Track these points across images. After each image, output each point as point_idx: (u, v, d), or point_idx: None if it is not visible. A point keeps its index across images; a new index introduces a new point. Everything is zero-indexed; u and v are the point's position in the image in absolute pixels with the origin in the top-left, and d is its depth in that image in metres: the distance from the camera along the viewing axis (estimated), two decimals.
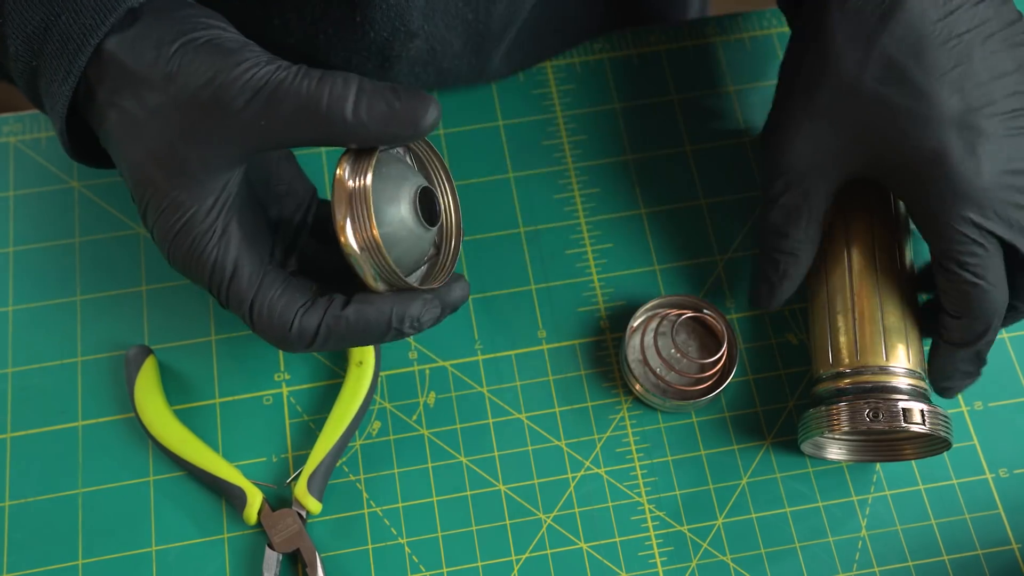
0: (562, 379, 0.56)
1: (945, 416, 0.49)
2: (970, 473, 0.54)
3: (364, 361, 0.54)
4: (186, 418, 0.55)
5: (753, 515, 0.53)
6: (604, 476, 0.54)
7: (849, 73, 0.48)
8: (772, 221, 0.52)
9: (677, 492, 0.54)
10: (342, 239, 0.44)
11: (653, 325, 0.56)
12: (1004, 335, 0.57)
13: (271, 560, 0.51)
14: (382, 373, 0.56)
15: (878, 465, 0.54)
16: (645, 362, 0.55)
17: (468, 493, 0.53)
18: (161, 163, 0.43)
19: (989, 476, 0.54)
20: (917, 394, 0.50)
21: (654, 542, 0.52)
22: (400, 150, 0.49)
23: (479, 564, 0.52)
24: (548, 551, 0.52)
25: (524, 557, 0.52)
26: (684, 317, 0.55)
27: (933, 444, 0.51)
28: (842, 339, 0.51)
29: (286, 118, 0.42)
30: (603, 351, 0.56)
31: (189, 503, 0.53)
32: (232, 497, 0.52)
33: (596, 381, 0.56)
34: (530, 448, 0.54)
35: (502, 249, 0.59)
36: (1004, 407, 0.55)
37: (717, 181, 0.60)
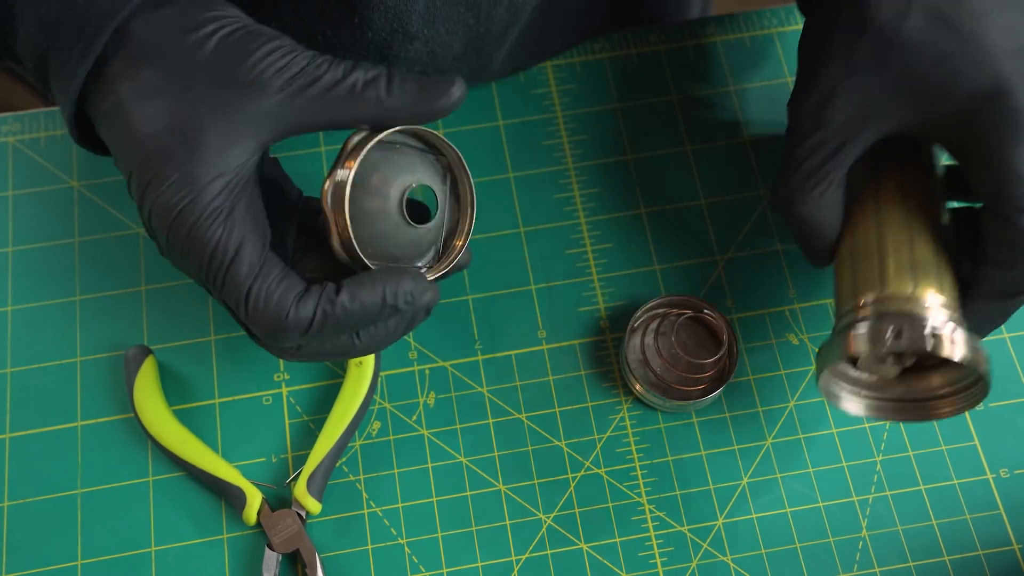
0: (562, 379, 0.56)
1: (981, 346, 0.44)
2: (971, 473, 0.54)
3: (364, 361, 0.54)
4: (185, 418, 0.55)
5: (753, 515, 0.53)
6: (604, 476, 0.54)
7: (890, 23, 0.46)
8: (798, 179, 0.49)
9: (677, 492, 0.54)
10: (324, 207, 0.46)
11: (653, 325, 0.56)
12: (1005, 335, 0.57)
13: (271, 560, 0.51)
14: (382, 373, 0.56)
15: (878, 465, 0.54)
16: (645, 362, 0.55)
17: (468, 493, 0.53)
18: (180, 134, 0.42)
19: (990, 476, 0.54)
20: (947, 321, 0.45)
21: (654, 542, 0.52)
22: (421, 144, 0.49)
23: (479, 564, 0.52)
24: (548, 551, 0.52)
25: (524, 557, 0.52)
26: (684, 317, 0.55)
27: (967, 389, 0.46)
28: (866, 270, 0.47)
29: (323, 99, 0.43)
30: (603, 351, 0.56)
31: (188, 503, 0.53)
32: (232, 497, 0.52)
33: (596, 381, 0.56)
34: (530, 448, 0.54)
35: (502, 249, 0.59)
36: (1005, 407, 0.55)
37: (717, 181, 0.60)
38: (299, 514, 0.52)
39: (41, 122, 0.61)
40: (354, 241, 0.45)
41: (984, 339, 0.56)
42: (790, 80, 0.63)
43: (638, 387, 0.54)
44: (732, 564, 0.52)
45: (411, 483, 0.54)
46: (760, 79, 0.63)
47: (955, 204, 0.52)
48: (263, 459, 0.54)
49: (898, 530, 0.53)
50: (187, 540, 0.52)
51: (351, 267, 0.47)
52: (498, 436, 0.55)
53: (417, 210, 0.51)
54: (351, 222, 0.45)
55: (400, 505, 0.53)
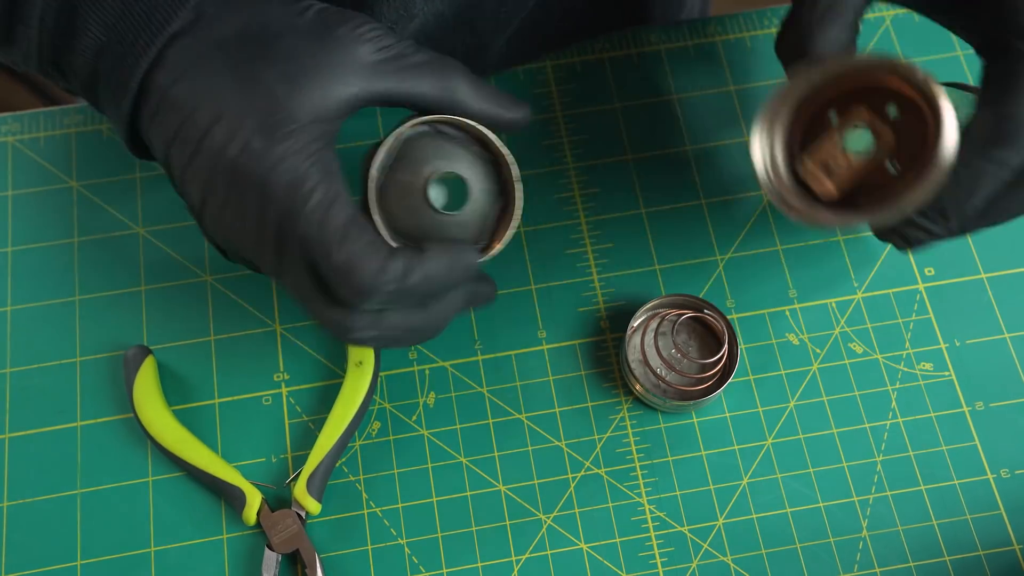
0: (562, 379, 0.56)
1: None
2: (971, 474, 0.54)
3: (364, 361, 0.54)
4: (185, 418, 0.54)
5: (753, 515, 0.53)
6: (604, 476, 0.54)
7: None
8: (815, 16, 0.46)
9: (677, 492, 0.53)
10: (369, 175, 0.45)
11: (653, 325, 0.56)
12: (1005, 335, 0.57)
13: (270, 561, 0.51)
14: (382, 373, 0.56)
15: (879, 465, 0.54)
16: (645, 362, 0.55)
17: (468, 493, 0.53)
18: (283, 75, 0.42)
19: (990, 476, 0.54)
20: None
21: (654, 543, 0.52)
22: (466, 135, 0.48)
23: (479, 564, 0.52)
24: (548, 552, 0.52)
25: (524, 558, 0.52)
26: (684, 317, 0.55)
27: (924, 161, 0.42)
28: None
29: (412, 73, 0.45)
30: (603, 351, 0.56)
31: (188, 504, 0.53)
32: (231, 498, 0.52)
33: (596, 381, 0.56)
34: (530, 448, 0.54)
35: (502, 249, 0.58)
36: (1005, 407, 0.55)
37: (717, 181, 0.60)
38: (299, 514, 0.52)
39: (41, 122, 0.61)
40: (374, 201, 0.45)
41: (977, 334, 0.56)
42: None
43: (638, 387, 0.54)
44: (732, 564, 0.52)
45: (411, 483, 0.54)
46: (760, 79, 0.63)
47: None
48: (263, 459, 0.54)
49: (898, 530, 0.53)
50: (187, 540, 0.52)
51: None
52: (498, 436, 0.55)
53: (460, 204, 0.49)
54: (379, 191, 0.45)
55: (400, 505, 0.53)
